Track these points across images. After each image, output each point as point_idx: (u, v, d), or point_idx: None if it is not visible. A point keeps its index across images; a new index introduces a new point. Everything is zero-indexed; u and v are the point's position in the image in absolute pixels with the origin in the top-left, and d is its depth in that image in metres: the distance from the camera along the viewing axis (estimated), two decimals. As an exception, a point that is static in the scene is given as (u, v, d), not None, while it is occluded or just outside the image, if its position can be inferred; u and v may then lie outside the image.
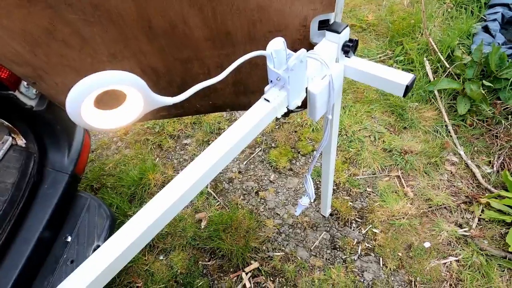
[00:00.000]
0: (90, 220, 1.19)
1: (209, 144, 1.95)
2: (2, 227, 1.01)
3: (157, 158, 1.86)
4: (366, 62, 0.70)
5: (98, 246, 1.14)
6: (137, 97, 0.42)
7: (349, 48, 0.67)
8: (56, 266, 1.11)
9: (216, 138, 2.08)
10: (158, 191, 1.83)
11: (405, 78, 0.64)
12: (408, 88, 0.64)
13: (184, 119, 2.03)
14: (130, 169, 1.79)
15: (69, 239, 1.15)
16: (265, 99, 0.61)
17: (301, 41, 0.74)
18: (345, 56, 0.71)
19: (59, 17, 0.64)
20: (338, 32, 0.66)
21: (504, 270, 1.33)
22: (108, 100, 0.51)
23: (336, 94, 0.74)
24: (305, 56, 0.58)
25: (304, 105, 0.82)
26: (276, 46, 0.57)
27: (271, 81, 0.63)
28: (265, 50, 0.78)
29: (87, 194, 1.25)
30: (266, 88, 0.63)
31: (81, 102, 0.36)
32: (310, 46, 0.74)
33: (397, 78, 0.65)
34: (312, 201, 1.07)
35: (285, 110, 0.65)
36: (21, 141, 1.15)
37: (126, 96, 0.44)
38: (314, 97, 0.68)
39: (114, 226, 1.24)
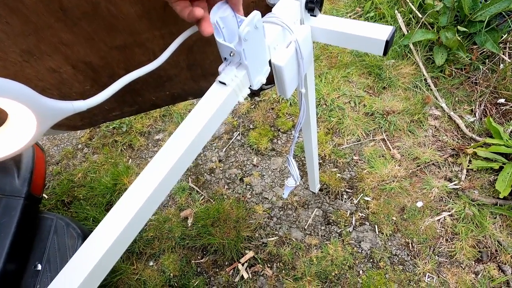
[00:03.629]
0: (59, 243, 1.07)
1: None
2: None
3: (130, 160, 1.72)
4: (335, 19, 0.59)
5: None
6: (23, 111, 0.30)
7: (313, 4, 0.56)
8: (30, 298, 1.00)
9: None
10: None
11: (383, 32, 0.54)
12: (388, 44, 0.54)
13: (152, 113, 1.87)
14: (101, 176, 1.65)
15: (39, 267, 1.03)
16: (220, 81, 0.49)
17: (256, 4, 0.62)
18: (311, 15, 0.59)
19: None
20: (298, -14, 0.54)
21: (496, 217, 1.33)
22: None
23: (307, 63, 0.63)
24: (260, 20, 0.46)
25: (271, 80, 0.71)
26: (222, 12, 0.44)
27: (225, 59, 0.51)
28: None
29: (52, 214, 1.12)
30: (220, 68, 0.51)
31: None
32: (268, 9, 0.62)
33: (374, 34, 0.54)
34: (297, 183, 0.99)
35: (248, 91, 0.54)
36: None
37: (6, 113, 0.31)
38: (280, 70, 0.57)
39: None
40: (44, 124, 0.31)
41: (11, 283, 0.98)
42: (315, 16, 0.59)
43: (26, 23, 0.56)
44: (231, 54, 0.47)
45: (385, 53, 0.55)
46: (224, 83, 0.49)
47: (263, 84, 0.91)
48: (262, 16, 0.54)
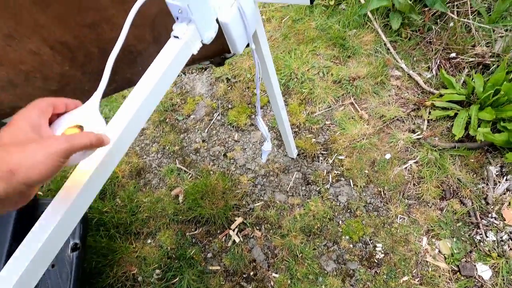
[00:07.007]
0: (59, 223, 1.16)
1: (167, 123, 1.89)
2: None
3: (118, 150, 1.81)
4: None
5: (76, 244, 1.13)
6: None
7: (248, -32, 0.66)
8: (38, 274, 1.09)
9: (171, 115, 1.99)
10: (128, 182, 1.76)
11: (308, -15, 0.65)
12: (313, -5, 0.65)
13: (126, 92, 1.95)
14: (92, 168, 1.73)
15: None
16: (174, 36, 0.59)
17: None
18: (248, -22, 0.69)
19: None
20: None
21: (455, 158, 1.47)
22: None
23: (252, 22, 0.74)
24: (199, -21, 0.56)
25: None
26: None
27: (177, 18, 0.61)
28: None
29: (48, 200, 1.20)
30: (173, 27, 0.61)
31: None
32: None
33: (300, -13, 0.65)
34: (268, 140, 1.10)
35: (200, 45, 0.64)
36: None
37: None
38: (226, 26, 0.67)
39: (87, 221, 1.22)
40: None
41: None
42: (252, -22, 0.69)
43: (4, 8, 0.65)
44: (180, 12, 0.58)
45: (311, 1, 0.66)
46: (177, 37, 0.59)
47: (225, 53, 1.01)
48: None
